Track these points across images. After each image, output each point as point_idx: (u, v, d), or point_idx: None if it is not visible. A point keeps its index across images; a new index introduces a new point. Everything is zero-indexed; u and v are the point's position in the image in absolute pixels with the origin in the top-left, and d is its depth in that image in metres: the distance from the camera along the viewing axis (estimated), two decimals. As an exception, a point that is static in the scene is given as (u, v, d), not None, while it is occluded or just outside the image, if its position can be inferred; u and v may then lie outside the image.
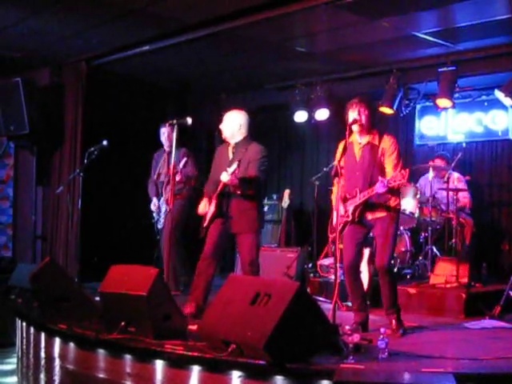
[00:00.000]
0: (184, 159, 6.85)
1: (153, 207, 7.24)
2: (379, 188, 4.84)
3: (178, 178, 6.72)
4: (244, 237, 5.65)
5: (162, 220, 7.10)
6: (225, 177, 5.44)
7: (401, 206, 5.31)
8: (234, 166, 5.43)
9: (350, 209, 5.06)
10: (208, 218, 5.66)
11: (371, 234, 5.35)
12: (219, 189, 5.60)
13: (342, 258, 5.23)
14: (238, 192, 5.53)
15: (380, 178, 4.86)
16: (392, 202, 5.09)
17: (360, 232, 5.17)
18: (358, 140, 5.17)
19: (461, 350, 4.60)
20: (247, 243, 5.64)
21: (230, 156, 5.73)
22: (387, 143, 5.06)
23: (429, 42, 7.25)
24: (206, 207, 5.71)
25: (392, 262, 5.40)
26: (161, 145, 7.33)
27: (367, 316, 5.19)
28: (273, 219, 9.48)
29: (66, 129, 8.57)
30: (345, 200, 5.13)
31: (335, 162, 5.18)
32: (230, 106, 6.11)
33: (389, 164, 5.03)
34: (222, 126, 5.81)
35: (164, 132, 7.19)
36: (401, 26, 6.85)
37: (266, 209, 9.58)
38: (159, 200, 7.21)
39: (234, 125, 5.74)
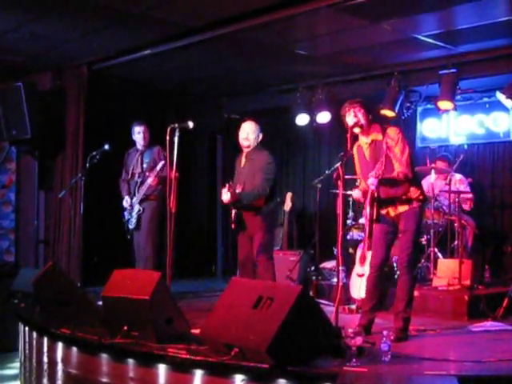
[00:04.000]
0: (162, 163, 6.79)
1: (125, 204, 7.09)
2: (370, 184, 4.84)
3: (153, 181, 6.84)
4: (254, 237, 5.95)
5: (133, 220, 7.01)
6: (225, 197, 5.83)
7: (424, 195, 5.14)
8: (225, 190, 5.77)
9: (367, 210, 5.04)
10: (232, 223, 6.04)
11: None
12: (228, 203, 5.91)
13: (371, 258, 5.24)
14: (244, 204, 5.86)
15: (370, 173, 4.86)
16: (413, 194, 5.03)
17: (388, 232, 5.12)
18: (364, 141, 5.17)
19: (464, 352, 4.61)
20: (255, 242, 5.94)
21: (242, 163, 6.09)
22: (390, 137, 5.02)
23: (430, 44, 7.26)
24: (225, 194, 5.88)
25: (414, 262, 5.34)
26: (133, 143, 7.23)
27: (373, 320, 5.16)
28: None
29: (68, 133, 8.57)
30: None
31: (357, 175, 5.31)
32: (232, 109, 6.13)
33: (394, 158, 4.99)
34: (241, 135, 6.06)
35: (139, 131, 7.09)
36: (402, 28, 6.86)
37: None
38: (132, 199, 7.08)
39: (254, 135, 6.03)
